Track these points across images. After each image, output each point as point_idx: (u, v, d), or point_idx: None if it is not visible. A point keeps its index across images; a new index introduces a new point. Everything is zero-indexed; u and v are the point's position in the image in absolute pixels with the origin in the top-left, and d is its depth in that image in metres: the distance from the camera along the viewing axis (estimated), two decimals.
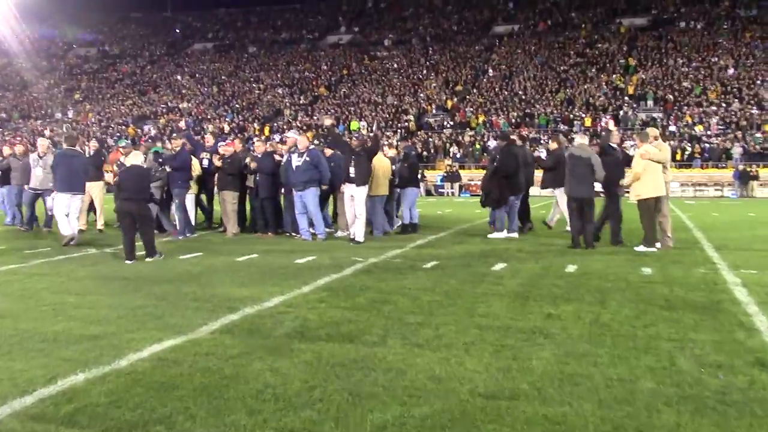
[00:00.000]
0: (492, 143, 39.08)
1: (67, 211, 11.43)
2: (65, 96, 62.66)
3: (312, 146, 12.35)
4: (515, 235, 12.63)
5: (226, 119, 52.20)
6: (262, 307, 6.42)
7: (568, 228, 11.68)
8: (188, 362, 4.69)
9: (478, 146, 43.32)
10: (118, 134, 49.64)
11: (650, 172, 10.46)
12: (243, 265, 9.11)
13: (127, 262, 9.38)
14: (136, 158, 10.23)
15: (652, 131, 11.50)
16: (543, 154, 18.18)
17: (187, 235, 12.63)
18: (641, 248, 10.54)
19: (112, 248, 11.01)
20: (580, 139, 12.03)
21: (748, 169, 35.55)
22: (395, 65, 58.28)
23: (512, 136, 14.18)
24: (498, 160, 12.40)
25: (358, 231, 11.78)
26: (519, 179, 12.54)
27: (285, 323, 5.80)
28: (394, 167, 13.41)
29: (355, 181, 11.79)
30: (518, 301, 6.69)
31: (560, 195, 13.45)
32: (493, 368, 4.54)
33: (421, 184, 38.92)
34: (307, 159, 11.94)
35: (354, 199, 11.85)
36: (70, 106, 60.55)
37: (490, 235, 12.56)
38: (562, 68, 52.11)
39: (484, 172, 13.31)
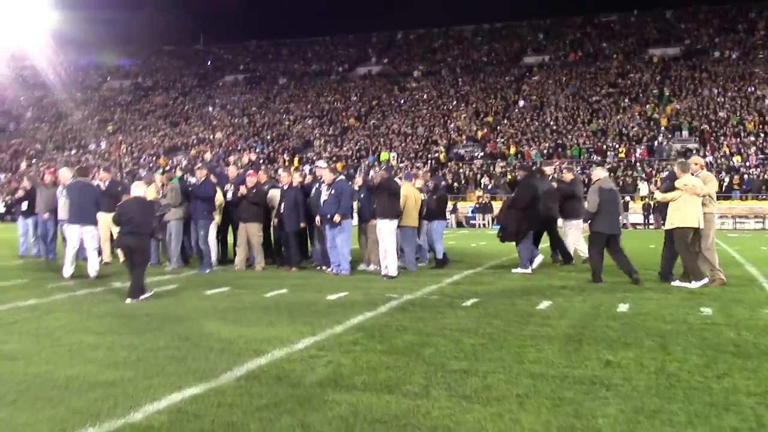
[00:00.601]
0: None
1: (76, 245, 11.18)
2: (99, 127, 63.29)
3: (340, 177, 11.90)
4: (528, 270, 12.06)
5: (256, 150, 52.20)
6: (291, 350, 5.92)
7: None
8: (210, 416, 4.21)
9: (509, 177, 42.65)
10: (150, 165, 49.86)
11: (687, 201, 9.90)
12: (271, 302, 8.63)
13: (140, 299, 8.78)
14: (138, 189, 9.50)
15: (696, 160, 10.97)
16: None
17: (208, 270, 12.24)
18: (677, 283, 10.03)
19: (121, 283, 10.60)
20: (603, 172, 11.53)
21: None
22: (425, 96, 58.03)
23: (534, 168, 13.93)
24: (515, 192, 11.94)
25: (390, 265, 11.31)
26: (537, 212, 12.06)
27: (317, 369, 5.29)
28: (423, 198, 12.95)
29: (379, 215, 11.53)
30: (571, 345, 6.11)
31: (571, 227, 13.34)
32: (554, 427, 3.99)
33: (452, 216, 38.44)
34: (333, 192, 11.55)
35: (381, 232, 11.44)
36: (103, 137, 61.10)
37: (513, 270, 12.09)
38: (594, 99, 51.48)
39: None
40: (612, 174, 41.40)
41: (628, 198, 37.68)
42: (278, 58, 73.33)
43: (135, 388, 4.80)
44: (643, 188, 39.44)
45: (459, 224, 38.20)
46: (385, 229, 11.36)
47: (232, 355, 5.72)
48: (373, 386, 4.85)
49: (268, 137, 54.97)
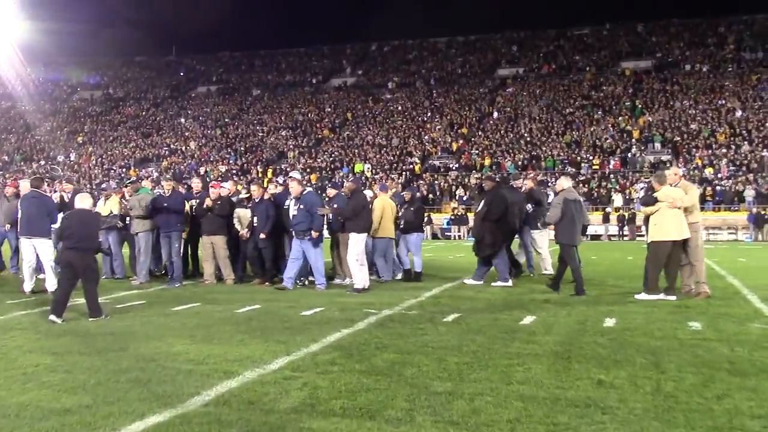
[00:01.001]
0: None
1: (32, 259, 10.67)
2: (68, 138, 62.26)
3: (308, 190, 11.53)
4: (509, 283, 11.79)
5: (230, 161, 51.64)
6: (264, 371, 5.55)
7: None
8: None
9: (474, 183, 42.56)
10: (121, 176, 49.04)
11: (667, 214, 9.70)
12: (243, 318, 8.23)
13: (52, 318, 7.89)
14: (83, 201, 8.67)
15: (674, 170, 10.85)
16: None
17: (178, 284, 11.83)
18: (642, 296, 9.82)
19: (101, 298, 10.11)
20: (567, 182, 11.32)
21: (763, 212, 34.70)
22: (399, 108, 57.86)
23: (500, 179, 13.84)
24: (487, 204, 11.63)
25: (356, 278, 10.98)
26: (509, 223, 11.91)
27: (291, 392, 4.92)
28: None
29: (348, 229, 11.24)
30: (560, 363, 5.80)
31: (541, 236, 13.32)
32: None
33: (428, 227, 38.18)
34: (302, 206, 11.11)
35: (349, 245, 11.14)
36: (73, 148, 60.12)
37: (493, 284, 11.72)
38: (567, 111, 51.68)
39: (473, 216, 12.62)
40: (585, 185, 41.57)
41: (609, 209, 37.65)
42: (252, 69, 72.82)
43: (93, 416, 4.40)
44: (618, 199, 39.52)
45: (434, 236, 37.99)
46: (353, 242, 11.03)
47: (200, 377, 5.34)
48: (353, 411, 4.50)
49: (242, 148, 54.40)
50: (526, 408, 4.54)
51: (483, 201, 11.80)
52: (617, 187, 40.96)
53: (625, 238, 35.62)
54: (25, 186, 11.68)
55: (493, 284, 11.64)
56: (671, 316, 8.20)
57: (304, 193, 11.26)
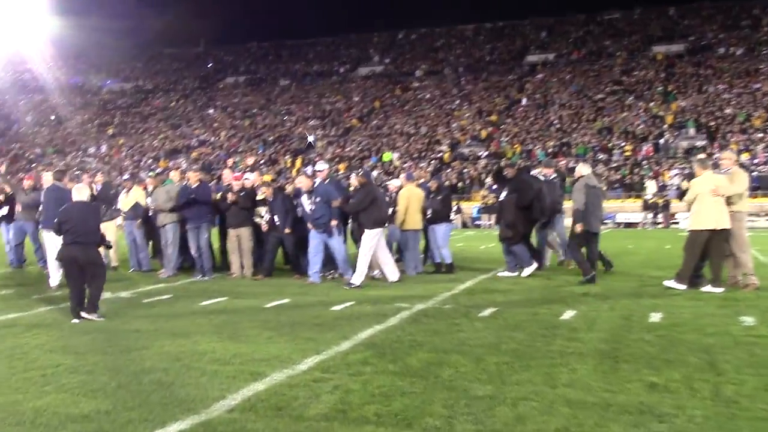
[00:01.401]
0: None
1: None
2: (99, 131, 62.71)
3: (319, 181, 11.22)
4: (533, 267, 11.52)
5: (258, 152, 51.60)
6: (293, 372, 5.26)
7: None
8: None
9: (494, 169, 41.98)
10: (150, 168, 49.24)
11: (705, 202, 9.27)
12: (272, 313, 7.96)
13: (74, 321, 7.57)
14: (80, 193, 8.24)
15: (728, 155, 10.35)
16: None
17: (209, 276, 11.64)
18: (671, 283, 9.49)
19: (128, 292, 9.97)
20: (587, 169, 11.02)
21: None
22: (428, 95, 57.39)
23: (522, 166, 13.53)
24: (516, 191, 11.23)
25: (357, 272, 10.49)
26: (535, 211, 11.45)
27: (322, 396, 4.63)
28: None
29: (361, 224, 10.79)
30: (606, 363, 5.44)
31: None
32: None
33: (458, 216, 37.75)
34: (318, 199, 10.79)
35: (362, 240, 10.74)
36: (104, 140, 60.55)
37: (500, 273, 11.58)
38: (598, 96, 50.80)
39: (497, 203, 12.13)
40: (617, 172, 40.78)
41: (648, 196, 36.70)
42: (279, 60, 72.68)
43: (112, 423, 4.15)
44: (651, 186, 38.74)
45: (464, 225, 37.57)
46: (364, 239, 10.62)
47: (226, 380, 5.07)
48: (388, 418, 4.19)
49: (270, 139, 54.34)
50: (575, 415, 4.20)
51: (508, 188, 11.44)
52: (650, 173, 40.15)
53: (659, 226, 34.88)
54: (47, 179, 11.50)
55: (523, 275, 11.27)
56: (720, 311, 7.77)
57: (316, 185, 10.93)
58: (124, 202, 12.74)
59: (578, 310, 7.86)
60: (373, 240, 10.59)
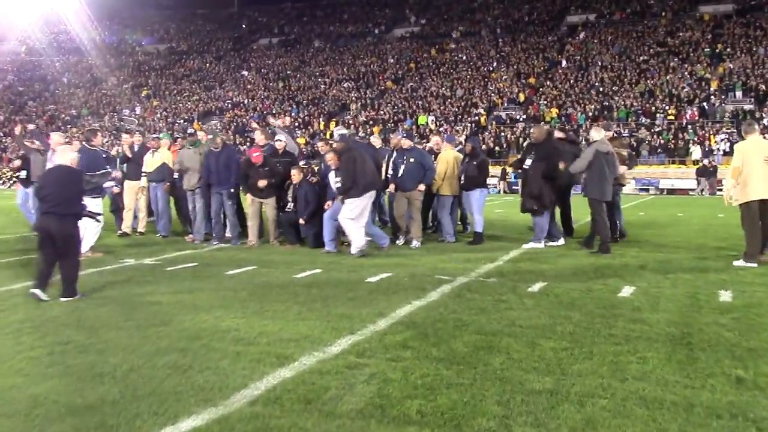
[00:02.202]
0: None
1: None
2: (133, 92, 62.60)
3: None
4: (561, 242, 10.88)
5: (292, 114, 51.01)
6: (324, 356, 4.69)
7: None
8: None
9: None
10: (184, 130, 49.02)
11: (753, 169, 8.49)
12: (302, 285, 7.37)
13: (35, 293, 6.61)
14: (63, 156, 7.29)
15: None
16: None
17: (235, 243, 11.14)
18: (740, 263, 8.69)
19: (152, 259, 9.48)
20: (599, 133, 10.29)
21: None
22: (464, 57, 56.10)
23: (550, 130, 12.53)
24: (544, 158, 10.28)
25: (353, 239, 9.79)
26: (563, 180, 10.69)
27: (356, 387, 4.05)
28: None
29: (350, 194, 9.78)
30: (680, 351, 4.78)
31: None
32: None
33: (501, 183, 36.91)
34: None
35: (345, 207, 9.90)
36: (138, 102, 60.47)
37: (525, 246, 10.64)
38: (641, 58, 49.12)
39: (520, 169, 11.09)
40: (660, 137, 39.43)
41: (705, 162, 35.32)
42: (313, 21, 71.61)
43: (117, 417, 3.62)
44: (696, 152, 37.43)
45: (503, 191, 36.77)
46: (350, 206, 9.76)
47: (249, 364, 4.51)
48: (433, 417, 3.60)
49: (304, 101, 53.68)
50: (654, 417, 3.56)
51: (535, 154, 10.47)
52: (695, 138, 38.79)
53: (705, 194, 33.70)
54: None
55: (524, 246, 10.54)
56: None
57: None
58: (150, 162, 12.20)
59: (637, 287, 7.15)
60: (361, 206, 9.76)
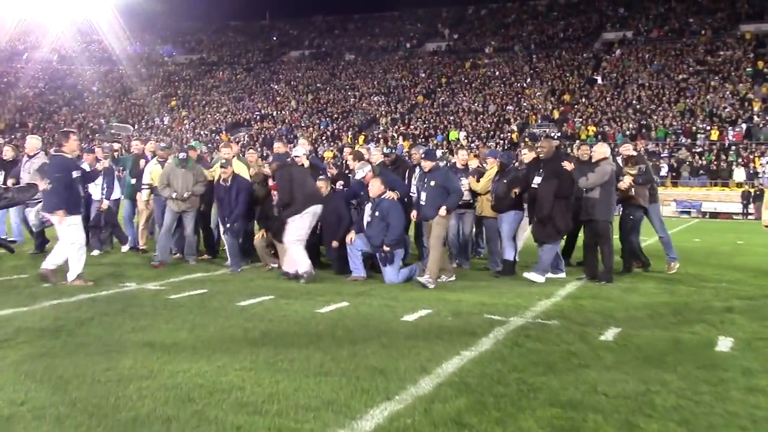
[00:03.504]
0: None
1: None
2: (162, 102, 62.23)
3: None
4: (563, 275, 9.47)
5: (321, 127, 50.11)
6: None
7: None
8: None
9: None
10: (210, 141, 48.33)
11: None
12: (326, 324, 6.15)
13: None
14: None
15: None
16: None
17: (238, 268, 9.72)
18: None
19: (156, 283, 8.33)
20: (608, 149, 9.43)
21: None
22: (497, 73, 54.91)
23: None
24: (556, 176, 8.85)
25: (300, 264, 8.79)
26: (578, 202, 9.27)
27: None
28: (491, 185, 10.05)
29: (286, 215, 8.90)
30: None
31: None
32: None
33: None
34: (376, 214, 8.88)
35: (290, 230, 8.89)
36: (166, 112, 60.04)
37: (526, 275, 9.11)
38: (680, 77, 47.59)
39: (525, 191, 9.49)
40: (701, 157, 37.81)
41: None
42: (345, 34, 71.03)
43: None
44: (739, 174, 35.83)
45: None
46: (294, 227, 8.88)
47: None
48: None
49: (333, 114, 52.79)
50: None
51: (543, 172, 9.02)
52: (739, 160, 37.17)
53: (750, 217, 32.07)
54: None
55: (525, 275, 9.08)
56: None
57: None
58: (155, 173, 10.88)
59: (735, 338, 5.83)
60: (306, 226, 8.86)
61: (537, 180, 9.03)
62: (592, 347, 5.41)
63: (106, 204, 10.90)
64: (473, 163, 10.93)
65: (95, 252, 10.89)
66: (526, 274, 9.07)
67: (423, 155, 9.13)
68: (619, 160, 10.38)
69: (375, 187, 8.83)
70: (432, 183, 8.84)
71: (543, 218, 8.85)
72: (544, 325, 6.21)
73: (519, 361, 4.97)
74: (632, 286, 8.70)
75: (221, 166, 9.64)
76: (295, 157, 9.76)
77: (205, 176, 10.18)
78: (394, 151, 10.08)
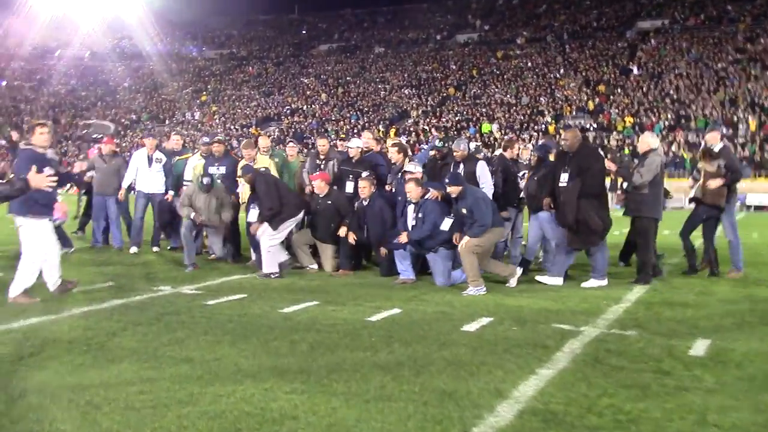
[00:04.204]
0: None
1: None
2: (192, 97, 62.18)
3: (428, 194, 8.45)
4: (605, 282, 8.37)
5: (351, 120, 49.60)
6: None
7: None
8: None
9: (627, 151, 38.47)
10: (241, 136, 48.07)
11: None
12: (380, 336, 5.54)
13: None
14: None
15: None
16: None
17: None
18: None
19: (192, 286, 7.84)
20: (656, 140, 8.73)
21: None
22: (529, 64, 53.92)
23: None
24: (584, 169, 8.01)
25: (266, 263, 8.58)
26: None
27: None
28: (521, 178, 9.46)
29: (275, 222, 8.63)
30: None
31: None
32: None
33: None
34: (420, 216, 8.24)
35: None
36: (197, 107, 59.97)
37: (585, 284, 8.21)
38: (719, 66, 46.27)
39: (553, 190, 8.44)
40: (744, 148, 36.64)
41: None
42: (374, 27, 70.45)
43: None
44: None
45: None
46: (270, 233, 8.73)
47: None
48: None
49: (364, 108, 52.24)
50: None
51: (570, 168, 8.10)
52: None
53: None
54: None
55: (584, 285, 8.19)
56: None
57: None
58: (200, 168, 10.49)
59: None
60: (286, 231, 8.77)
61: (564, 177, 8.12)
62: (685, 364, 4.77)
63: (170, 195, 10.71)
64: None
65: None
66: (584, 284, 8.19)
67: (448, 180, 8.17)
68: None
69: (413, 191, 8.26)
70: (463, 210, 8.03)
71: (570, 226, 8.02)
72: (622, 337, 5.56)
73: (607, 382, 4.35)
74: (705, 289, 7.98)
75: (241, 175, 9.22)
76: (349, 148, 9.32)
77: (229, 200, 9.69)
78: (446, 145, 9.35)
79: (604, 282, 8.20)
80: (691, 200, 9.28)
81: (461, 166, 8.91)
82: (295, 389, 4.15)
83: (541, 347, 5.16)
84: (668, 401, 4.00)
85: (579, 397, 4.05)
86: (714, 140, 9.18)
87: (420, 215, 8.15)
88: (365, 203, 8.86)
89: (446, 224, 8.01)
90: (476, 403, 3.94)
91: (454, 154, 9.10)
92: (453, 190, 8.02)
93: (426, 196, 8.25)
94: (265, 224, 8.54)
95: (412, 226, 8.23)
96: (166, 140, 12.32)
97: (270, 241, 8.51)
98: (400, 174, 8.94)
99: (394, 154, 9.39)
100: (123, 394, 4.05)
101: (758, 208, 32.34)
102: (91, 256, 10.35)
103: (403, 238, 8.14)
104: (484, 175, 8.78)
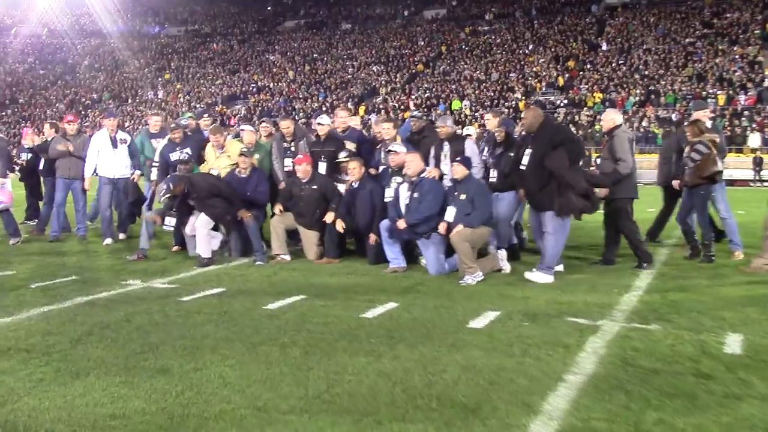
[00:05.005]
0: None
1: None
2: (155, 76, 60.66)
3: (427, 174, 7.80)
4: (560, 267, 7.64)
5: (319, 98, 48.69)
6: None
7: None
8: None
9: (597, 127, 38.22)
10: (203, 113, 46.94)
11: None
12: (382, 336, 4.96)
13: None
14: None
15: None
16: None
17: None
18: None
19: (164, 280, 7.19)
20: (620, 116, 8.32)
21: None
22: (498, 40, 53.42)
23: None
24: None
25: (202, 247, 8.14)
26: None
27: None
28: (485, 156, 8.47)
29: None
30: None
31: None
32: None
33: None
34: (415, 195, 7.59)
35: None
36: (160, 86, 58.53)
37: (528, 275, 7.22)
38: (687, 41, 46.24)
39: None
40: (712, 122, 36.53)
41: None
42: (341, 2, 69.25)
43: None
44: (754, 139, 34.72)
45: None
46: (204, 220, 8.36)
47: None
48: None
49: (331, 85, 51.33)
50: None
51: (531, 148, 7.19)
52: (753, 125, 35.99)
53: (766, 184, 31.01)
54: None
55: (527, 275, 7.22)
56: None
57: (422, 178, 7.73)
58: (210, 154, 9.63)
59: None
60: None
61: (525, 160, 7.29)
62: (725, 365, 4.27)
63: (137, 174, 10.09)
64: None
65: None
66: (527, 274, 7.21)
67: (459, 160, 7.56)
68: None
69: (415, 164, 7.65)
70: (462, 197, 7.43)
71: (533, 193, 7.23)
72: (646, 332, 5.05)
73: (646, 390, 3.82)
74: (715, 273, 7.53)
75: (241, 154, 8.52)
76: (319, 125, 8.69)
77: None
78: (424, 117, 8.68)
79: (550, 278, 7.08)
80: (683, 185, 8.73)
81: (446, 145, 8.30)
82: (293, 407, 3.57)
83: (562, 347, 4.63)
84: (723, 414, 3.49)
85: (621, 411, 3.53)
86: (704, 117, 8.81)
87: (416, 195, 7.55)
88: (355, 186, 8.24)
89: (450, 214, 7.39)
90: (505, 421, 3.40)
91: (439, 131, 8.48)
92: (460, 173, 7.46)
93: (422, 175, 7.68)
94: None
95: (406, 205, 7.63)
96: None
97: (204, 227, 8.01)
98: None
99: (390, 130, 8.69)
100: (90, 418, 3.44)
101: (728, 182, 32.31)
102: (54, 246, 9.62)
103: (401, 224, 7.50)
104: (475, 156, 8.17)
